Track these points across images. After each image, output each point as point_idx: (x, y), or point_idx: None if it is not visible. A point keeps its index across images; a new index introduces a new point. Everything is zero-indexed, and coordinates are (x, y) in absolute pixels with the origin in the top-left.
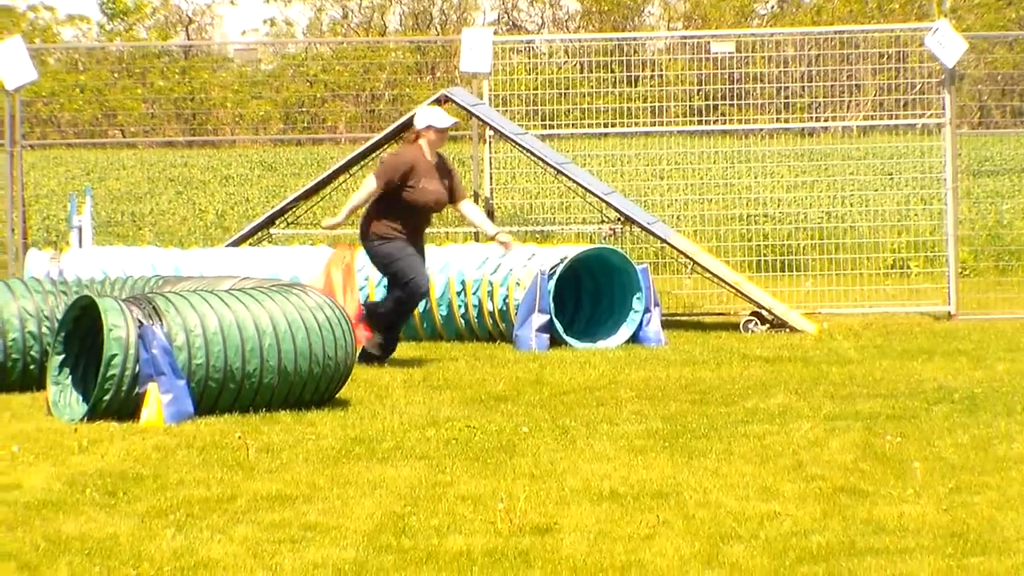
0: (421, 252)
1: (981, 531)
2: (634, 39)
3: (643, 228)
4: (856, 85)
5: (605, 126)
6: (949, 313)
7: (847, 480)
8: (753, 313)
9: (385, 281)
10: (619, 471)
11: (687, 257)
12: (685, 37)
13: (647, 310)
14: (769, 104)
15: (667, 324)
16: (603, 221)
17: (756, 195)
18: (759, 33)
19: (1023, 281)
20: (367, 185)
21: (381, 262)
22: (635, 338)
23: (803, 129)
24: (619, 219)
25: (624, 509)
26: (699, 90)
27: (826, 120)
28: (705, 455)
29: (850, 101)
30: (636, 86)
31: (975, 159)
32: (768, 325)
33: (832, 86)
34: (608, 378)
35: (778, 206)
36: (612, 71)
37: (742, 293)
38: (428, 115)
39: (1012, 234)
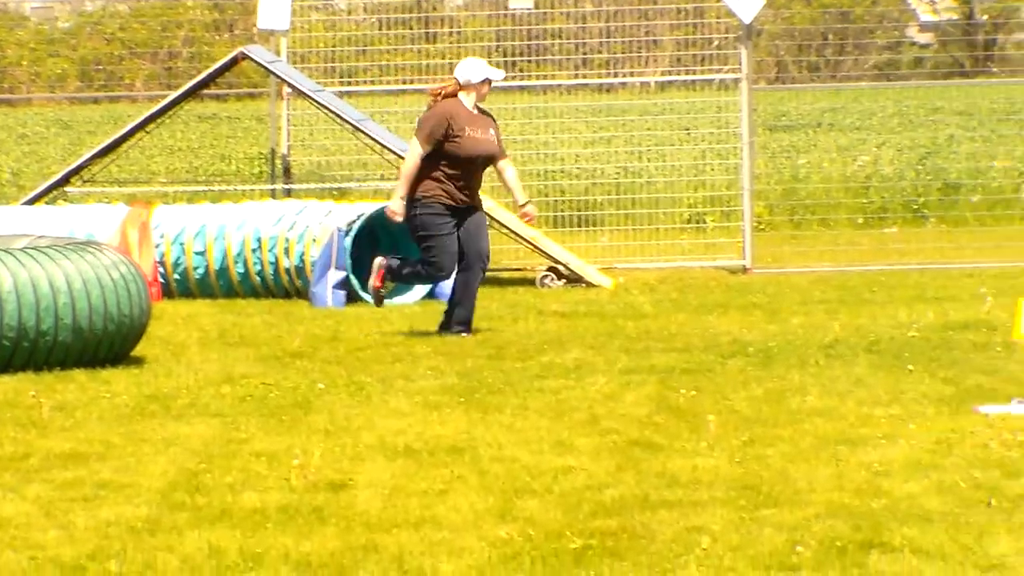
0: (472, 221)
1: (774, 483)
2: None
3: None
4: (654, 41)
5: (404, 83)
6: (744, 267)
7: (641, 434)
8: (550, 268)
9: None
10: (414, 427)
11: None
12: None
13: None
14: (567, 60)
15: None
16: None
17: (554, 151)
18: None
19: (817, 235)
20: (411, 151)
21: (415, 230)
22: (431, 294)
23: (601, 85)
24: None
25: (419, 464)
26: (498, 46)
27: (624, 76)
28: (500, 410)
29: (648, 57)
30: (435, 43)
31: (771, 114)
32: (564, 280)
33: (630, 42)
34: (405, 334)
35: (575, 161)
36: (411, 28)
37: (539, 248)
38: (481, 68)
39: (807, 188)
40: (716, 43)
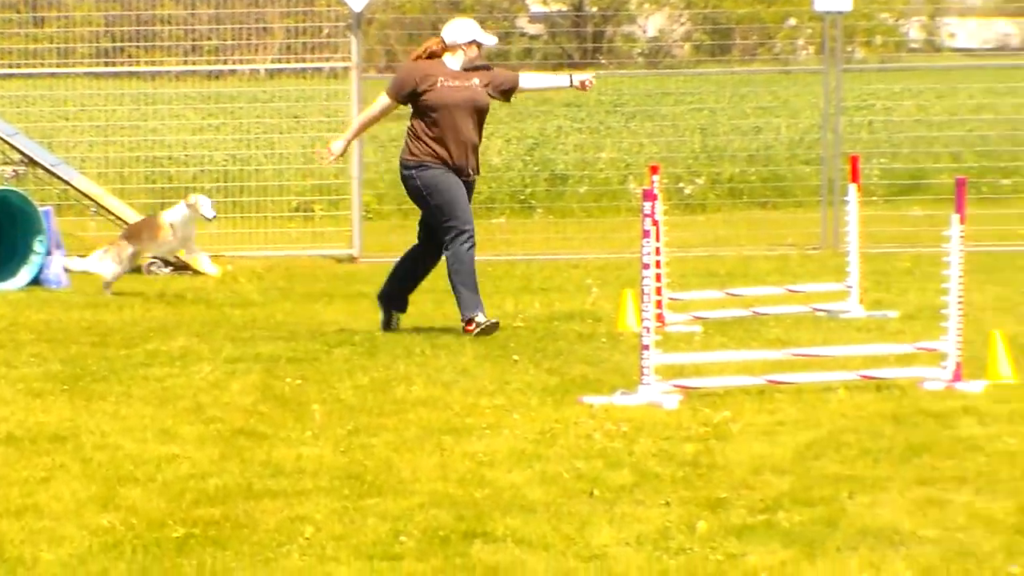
0: (468, 187)
1: (378, 473)
2: None
3: (46, 170)
4: (264, 28)
5: (10, 67)
6: (352, 256)
7: (246, 422)
8: (156, 255)
9: None
10: (16, 415)
11: (91, 200)
12: None
13: (48, 252)
14: (177, 46)
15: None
16: (6, 162)
17: (162, 137)
18: None
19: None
20: (379, 100)
21: (418, 196)
22: (36, 280)
23: (210, 72)
24: (22, 160)
25: (21, 452)
26: (107, 31)
27: (234, 63)
28: (104, 398)
29: (258, 44)
30: (43, 27)
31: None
32: (172, 267)
33: (240, 29)
34: (8, 320)
35: (183, 149)
36: (19, 11)
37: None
38: (469, 29)
39: None
40: (326, 31)
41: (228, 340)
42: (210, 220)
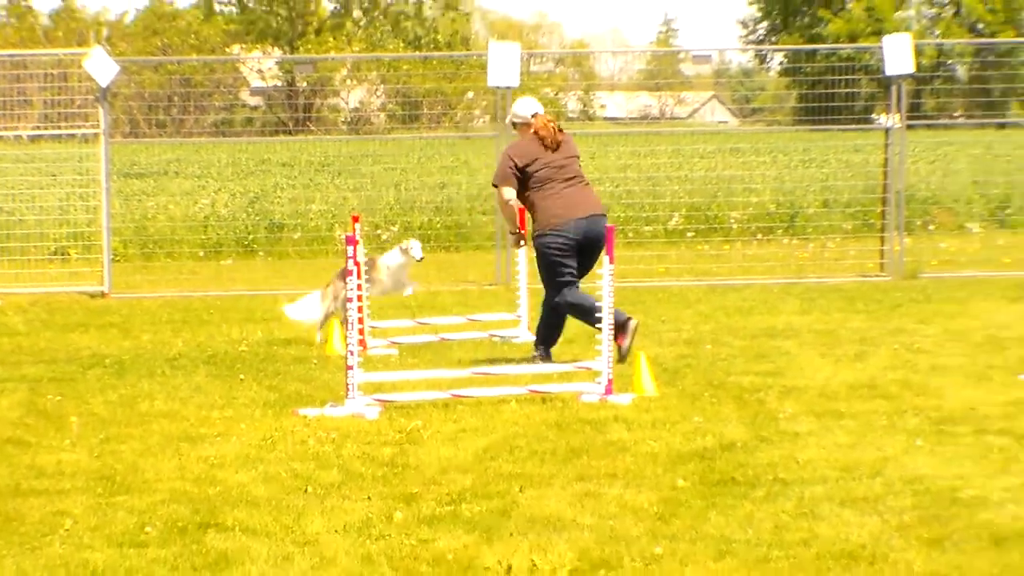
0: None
1: (127, 474)
2: None
3: None
4: (26, 100)
5: None
6: (103, 292)
7: (14, 433)
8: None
9: None
10: None
11: None
12: None
13: None
14: None
15: None
16: None
17: None
18: None
19: (165, 265)
20: (503, 196)
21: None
22: None
23: None
24: None
25: None
26: None
27: (1, 130)
28: None
29: (20, 114)
30: None
31: (126, 163)
32: None
33: (4, 101)
34: None
35: None
36: None
37: None
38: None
39: (156, 226)
40: (78, 103)
41: None
42: (419, 261)
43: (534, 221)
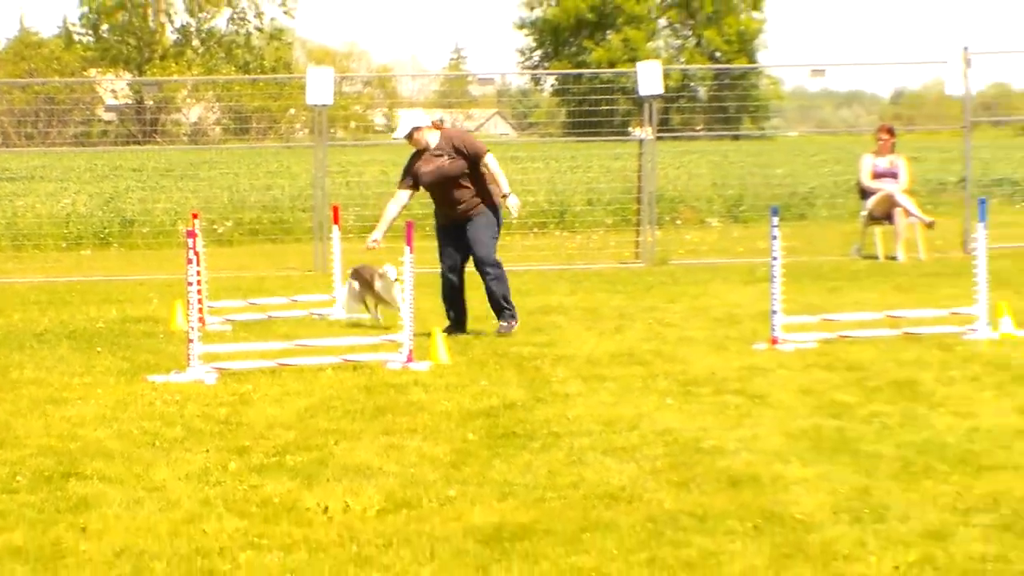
0: (460, 230)
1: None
2: None
3: None
4: None
5: None
6: None
7: None
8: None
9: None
10: None
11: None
12: None
13: None
14: None
15: None
16: None
17: None
18: None
19: (32, 255)
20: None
21: None
22: None
23: None
24: None
25: None
26: None
27: None
28: None
29: None
30: None
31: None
32: None
33: None
34: None
35: None
36: None
37: None
38: (414, 119)
39: (25, 222)
40: None
41: None
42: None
43: (489, 195)
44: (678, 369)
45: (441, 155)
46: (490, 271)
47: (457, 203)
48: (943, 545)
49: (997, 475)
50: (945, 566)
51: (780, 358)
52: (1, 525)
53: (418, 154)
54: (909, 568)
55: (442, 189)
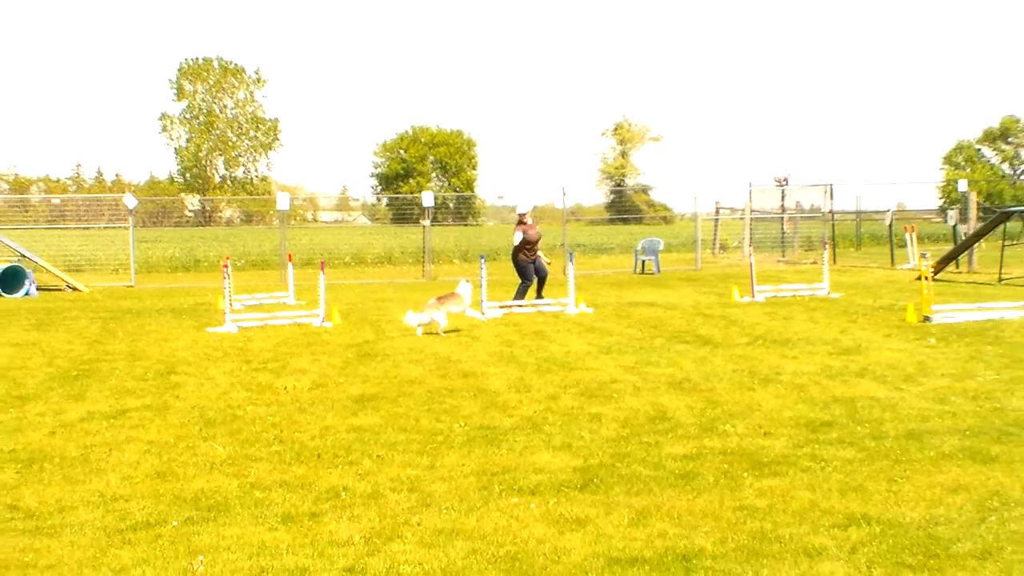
0: (535, 261)
1: None
2: None
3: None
4: None
5: None
6: None
7: None
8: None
9: None
10: None
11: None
12: None
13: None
14: None
15: None
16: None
17: None
18: None
19: (158, 275)
20: (516, 237)
21: (518, 267)
22: None
23: None
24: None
25: None
26: None
27: None
28: None
29: None
30: None
31: None
32: None
33: None
34: None
35: None
36: None
37: None
38: (530, 203)
39: None
40: None
41: None
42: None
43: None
44: (452, 328)
45: (535, 225)
46: (529, 281)
47: (537, 249)
48: (556, 402)
49: (578, 372)
50: (560, 410)
51: (488, 322)
52: (138, 392)
53: (522, 222)
54: (542, 410)
55: (533, 242)
